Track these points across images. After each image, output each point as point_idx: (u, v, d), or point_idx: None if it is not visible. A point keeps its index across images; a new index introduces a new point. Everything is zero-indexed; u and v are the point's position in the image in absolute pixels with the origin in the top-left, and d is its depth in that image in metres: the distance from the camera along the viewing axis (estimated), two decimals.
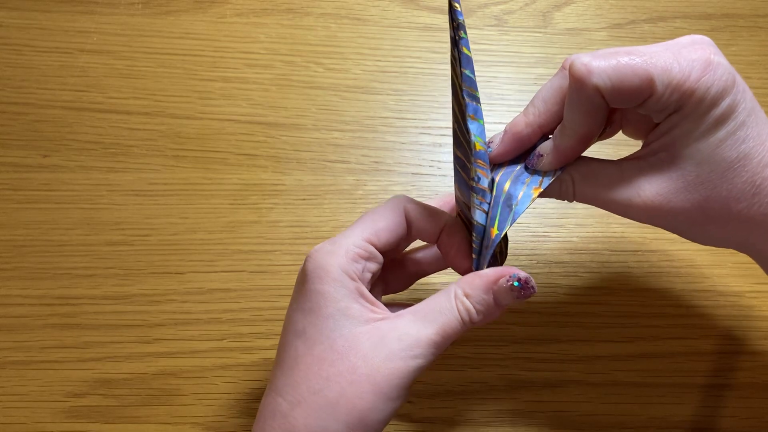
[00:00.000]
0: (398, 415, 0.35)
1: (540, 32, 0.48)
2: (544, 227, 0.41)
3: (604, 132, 0.30)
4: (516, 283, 0.26)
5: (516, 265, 0.39)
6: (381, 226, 0.28)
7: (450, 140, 0.44)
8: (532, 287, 0.27)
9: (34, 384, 0.35)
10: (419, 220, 0.29)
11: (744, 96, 0.25)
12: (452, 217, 0.30)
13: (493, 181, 0.28)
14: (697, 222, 0.26)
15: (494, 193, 0.28)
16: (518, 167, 0.28)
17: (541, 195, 0.27)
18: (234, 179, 0.42)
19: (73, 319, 0.37)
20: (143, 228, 0.40)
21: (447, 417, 0.35)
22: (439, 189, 0.42)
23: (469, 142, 0.26)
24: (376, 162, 0.43)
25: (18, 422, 0.34)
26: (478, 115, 0.26)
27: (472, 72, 0.25)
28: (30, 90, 0.44)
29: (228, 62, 0.46)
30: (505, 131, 0.28)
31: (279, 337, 0.28)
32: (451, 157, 0.43)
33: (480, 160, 0.27)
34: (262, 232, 0.40)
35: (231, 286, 0.38)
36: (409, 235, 0.29)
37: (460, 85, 0.26)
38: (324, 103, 0.44)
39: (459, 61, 0.25)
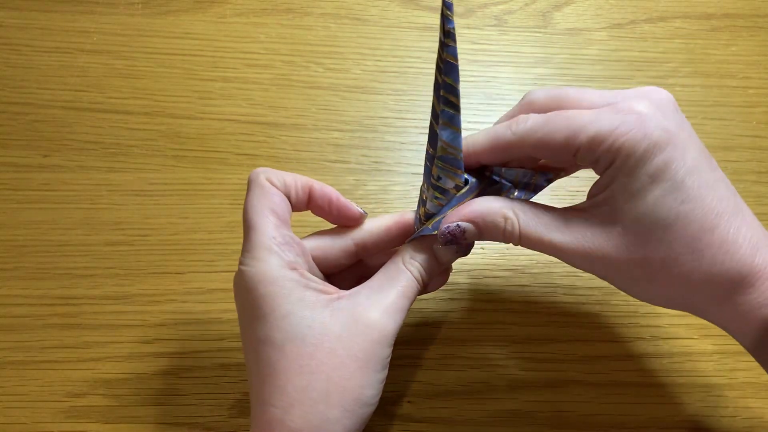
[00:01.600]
0: (398, 415, 0.35)
1: (540, 32, 0.48)
2: None
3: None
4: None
5: (516, 265, 0.39)
6: (271, 205, 0.27)
7: None
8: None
9: (34, 384, 0.35)
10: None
11: (684, 154, 0.24)
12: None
13: (462, 182, 0.29)
14: (638, 279, 0.26)
15: (457, 195, 0.29)
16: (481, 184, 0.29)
17: (485, 238, 0.28)
18: (234, 179, 0.42)
19: (73, 319, 0.37)
20: (143, 228, 0.40)
21: (447, 417, 0.35)
22: None
23: (435, 144, 0.27)
24: (376, 162, 0.43)
25: (18, 422, 0.34)
26: (454, 123, 0.27)
27: (456, 80, 0.26)
28: (30, 90, 0.44)
29: (228, 62, 0.46)
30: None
31: None
32: None
33: (446, 163, 0.28)
34: None
35: (231, 286, 0.38)
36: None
37: (439, 91, 0.26)
38: (324, 103, 0.44)
39: (442, 68, 0.26)
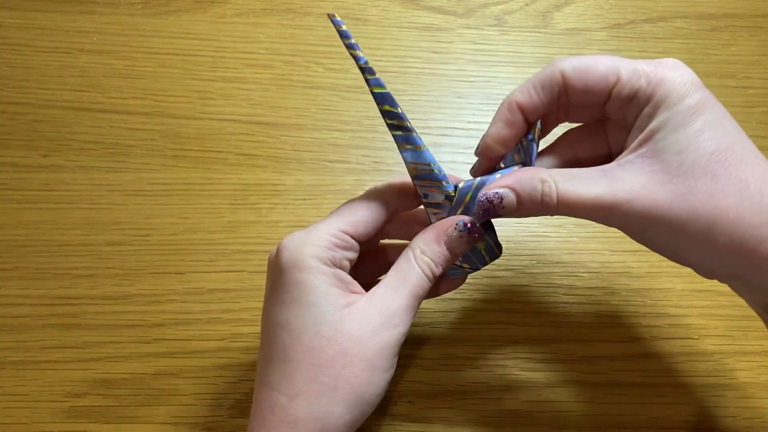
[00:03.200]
0: (398, 415, 0.35)
1: (540, 32, 0.48)
2: (544, 227, 0.41)
3: (593, 155, 0.30)
4: (463, 228, 0.28)
5: (516, 265, 0.39)
6: (359, 216, 0.28)
7: (450, 140, 0.44)
8: (478, 230, 0.28)
9: (34, 384, 0.35)
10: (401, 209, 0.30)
11: (716, 101, 0.25)
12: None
13: (452, 192, 0.29)
14: (682, 225, 0.24)
15: (453, 203, 0.29)
16: (479, 178, 0.29)
17: (521, 210, 0.27)
18: (234, 179, 0.42)
19: (73, 319, 0.37)
20: (143, 228, 0.40)
21: (447, 417, 0.35)
22: None
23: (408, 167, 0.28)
24: (376, 162, 0.43)
25: (18, 422, 0.34)
26: (410, 142, 0.28)
27: (393, 105, 0.27)
28: (30, 90, 0.44)
29: (228, 62, 0.46)
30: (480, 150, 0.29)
31: None
32: (450, 157, 0.43)
33: (425, 180, 0.28)
34: (262, 232, 0.40)
35: (231, 286, 0.38)
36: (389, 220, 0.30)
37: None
38: (324, 103, 0.44)
39: (375, 100, 0.27)
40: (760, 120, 0.45)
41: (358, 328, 0.26)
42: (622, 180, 0.25)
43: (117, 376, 0.36)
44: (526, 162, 0.29)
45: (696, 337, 0.38)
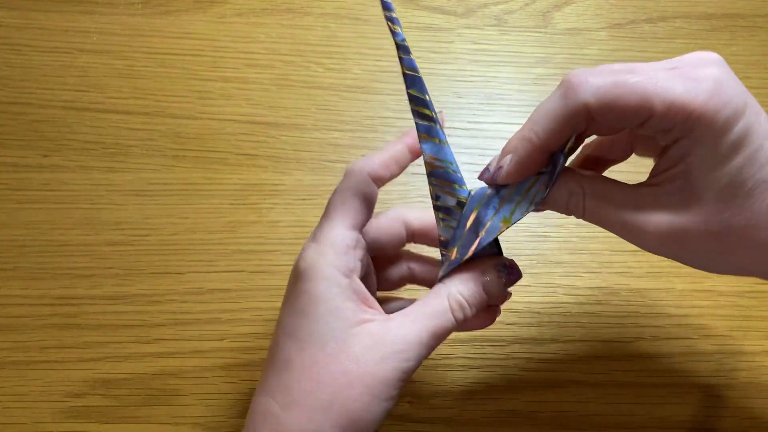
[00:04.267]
0: (398, 415, 0.35)
1: (540, 32, 0.48)
2: (544, 227, 0.41)
3: (616, 157, 0.29)
4: (503, 269, 0.27)
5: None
6: (357, 206, 0.27)
7: (450, 140, 0.43)
8: (519, 271, 0.27)
9: (34, 384, 0.35)
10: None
11: (758, 119, 0.23)
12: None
13: (465, 198, 0.27)
14: (714, 252, 0.24)
15: (463, 212, 0.27)
16: (490, 188, 0.27)
17: (546, 208, 0.26)
18: (234, 179, 0.42)
19: (73, 319, 0.37)
20: (143, 228, 0.40)
21: (447, 417, 0.35)
22: None
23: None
24: None
25: (18, 422, 0.34)
26: (432, 134, 0.26)
27: (422, 91, 0.25)
28: (30, 90, 0.44)
29: (228, 62, 0.46)
30: (507, 153, 0.26)
31: None
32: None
33: (438, 179, 0.26)
34: (262, 232, 0.40)
35: (231, 286, 0.38)
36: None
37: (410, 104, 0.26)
38: (324, 103, 0.44)
39: (404, 81, 0.25)
40: None
41: (365, 352, 0.25)
42: (653, 214, 0.24)
43: (117, 376, 0.36)
44: (550, 172, 0.26)
45: (696, 337, 0.38)
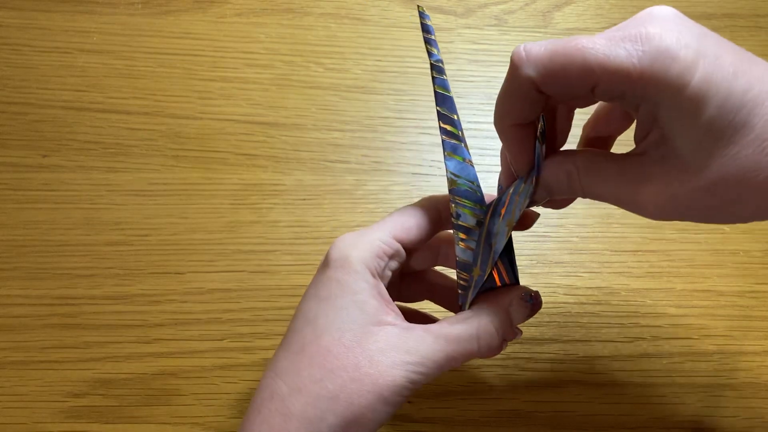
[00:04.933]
0: (398, 415, 0.35)
1: (540, 32, 0.48)
2: (544, 227, 0.41)
3: (615, 129, 0.29)
4: (529, 300, 0.27)
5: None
6: (412, 222, 0.28)
7: None
8: (541, 300, 0.28)
9: (34, 384, 0.35)
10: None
11: (718, 63, 0.21)
12: None
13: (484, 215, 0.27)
14: (718, 207, 0.23)
15: (481, 229, 0.27)
16: (494, 201, 0.27)
17: (553, 195, 0.26)
18: (234, 179, 0.42)
19: (73, 319, 0.37)
20: (143, 228, 0.40)
21: (447, 417, 0.35)
22: (439, 189, 0.42)
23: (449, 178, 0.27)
24: (376, 162, 0.43)
25: (18, 422, 0.34)
26: (458, 153, 0.27)
27: (451, 111, 0.26)
28: (30, 90, 0.44)
29: (228, 62, 0.46)
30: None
31: (280, 337, 0.28)
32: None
33: (459, 197, 0.27)
34: (262, 232, 0.40)
35: (231, 286, 0.38)
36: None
37: (438, 120, 0.26)
38: (324, 103, 0.44)
39: (435, 98, 0.26)
40: None
41: (379, 352, 0.25)
42: (641, 183, 0.24)
43: (117, 376, 0.36)
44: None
45: (696, 337, 0.38)
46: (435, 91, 0.26)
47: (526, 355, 0.37)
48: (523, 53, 0.23)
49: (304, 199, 0.41)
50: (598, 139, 0.30)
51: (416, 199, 0.29)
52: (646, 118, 0.24)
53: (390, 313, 0.26)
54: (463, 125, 0.46)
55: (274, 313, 0.38)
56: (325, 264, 0.27)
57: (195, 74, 0.45)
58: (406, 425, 0.35)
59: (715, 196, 0.23)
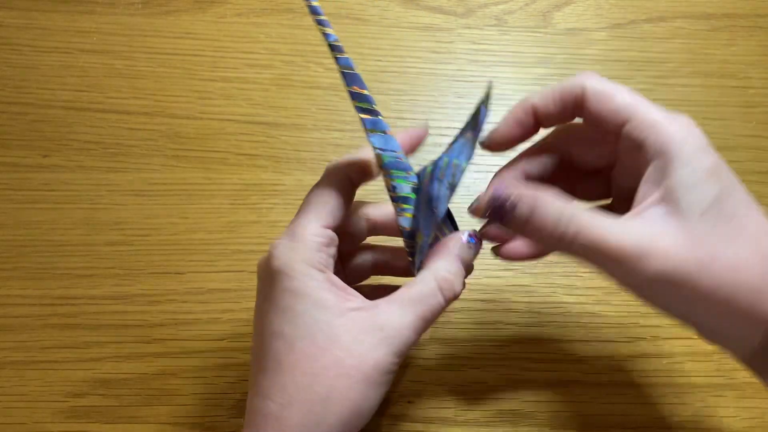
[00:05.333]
0: (398, 415, 0.35)
1: (540, 32, 0.48)
2: None
3: (595, 158, 0.29)
4: (471, 240, 0.28)
5: (516, 265, 0.39)
6: (333, 205, 0.28)
7: (450, 140, 0.44)
8: (482, 238, 0.29)
9: (34, 384, 0.35)
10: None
11: (727, 166, 0.24)
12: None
13: (416, 183, 0.28)
14: (702, 289, 0.23)
15: (417, 196, 0.28)
16: (429, 164, 0.28)
17: (529, 236, 0.26)
18: (234, 179, 0.42)
19: (73, 319, 0.37)
20: (143, 228, 0.40)
21: (447, 417, 0.35)
22: None
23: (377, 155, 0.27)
24: None
25: (18, 422, 0.34)
26: (378, 127, 0.27)
27: (361, 87, 0.26)
28: (30, 90, 0.44)
29: (228, 62, 0.46)
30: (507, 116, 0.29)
31: None
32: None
33: (391, 169, 0.27)
34: (262, 232, 0.40)
35: (231, 286, 0.38)
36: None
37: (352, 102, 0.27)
38: (324, 103, 0.44)
39: (343, 79, 0.26)
40: (760, 120, 0.45)
41: (354, 340, 0.25)
42: (644, 234, 0.23)
43: (117, 376, 0.36)
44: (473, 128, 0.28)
45: (696, 337, 0.38)
46: (342, 72, 0.26)
47: (526, 355, 0.37)
48: (591, 72, 0.27)
49: None
50: (570, 165, 0.30)
51: None
52: (655, 175, 0.24)
53: (349, 298, 0.26)
54: (461, 125, 0.46)
55: None
56: (270, 277, 0.26)
57: (195, 74, 0.45)
58: (406, 425, 0.35)
59: (712, 278, 0.23)
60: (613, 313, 0.38)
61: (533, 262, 0.40)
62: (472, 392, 0.36)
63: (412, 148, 0.30)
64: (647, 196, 0.24)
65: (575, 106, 0.27)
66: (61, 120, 0.43)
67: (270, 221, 0.40)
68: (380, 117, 0.27)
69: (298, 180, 0.42)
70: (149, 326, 0.37)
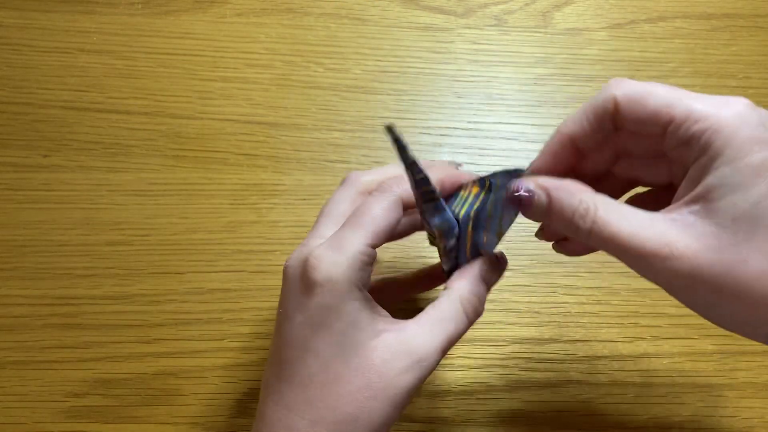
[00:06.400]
0: None
1: (540, 32, 0.48)
2: None
3: (650, 176, 0.28)
4: (496, 261, 0.28)
5: (516, 265, 0.39)
6: (382, 226, 0.27)
7: (450, 140, 0.44)
8: (506, 259, 0.29)
9: (34, 384, 0.35)
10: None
11: None
12: None
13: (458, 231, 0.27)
14: (726, 293, 0.22)
15: (459, 244, 0.28)
16: (471, 217, 0.27)
17: (548, 219, 0.25)
18: (234, 179, 0.42)
19: (73, 319, 0.37)
20: (143, 228, 0.40)
21: (447, 417, 0.35)
22: None
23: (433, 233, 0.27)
24: (376, 162, 0.43)
25: (18, 422, 0.34)
26: (438, 208, 0.26)
27: (428, 183, 0.25)
28: (30, 90, 0.44)
29: (228, 62, 0.46)
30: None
31: None
32: (449, 158, 0.43)
33: (443, 237, 0.27)
34: (262, 232, 0.40)
35: (231, 286, 0.38)
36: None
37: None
38: (324, 103, 0.44)
39: (416, 186, 0.25)
40: None
41: (384, 364, 0.25)
42: (668, 234, 0.22)
43: (117, 376, 0.36)
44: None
45: (696, 337, 0.38)
46: (420, 192, 0.25)
47: (526, 355, 0.37)
48: (619, 79, 0.25)
49: (304, 199, 0.41)
50: (629, 182, 0.29)
51: None
52: (696, 173, 0.23)
53: (380, 319, 0.26)
54: (463, 125, 0.46)
55: (274, 313, 0.38)
56: (307, 287, 0.26)
57: (195, 74, 0.45)
58: (406, 425, 0.35)
59: (735, 278, 0.22)
60: (613, 313, 0.38)
61: (533, 262, 0.40)
62: (472, 392, 0.36)
63: (448, 189, 0.29)
64: (685, 193, 0.24)
65: (612, 120, 0.25)
66: (61, 120, 0.43)
67: (270, 221, 0.40)
68: (441, 199, 0.26)
69: (298, 180, 0.42)
70: (149, 326, 0.37)
